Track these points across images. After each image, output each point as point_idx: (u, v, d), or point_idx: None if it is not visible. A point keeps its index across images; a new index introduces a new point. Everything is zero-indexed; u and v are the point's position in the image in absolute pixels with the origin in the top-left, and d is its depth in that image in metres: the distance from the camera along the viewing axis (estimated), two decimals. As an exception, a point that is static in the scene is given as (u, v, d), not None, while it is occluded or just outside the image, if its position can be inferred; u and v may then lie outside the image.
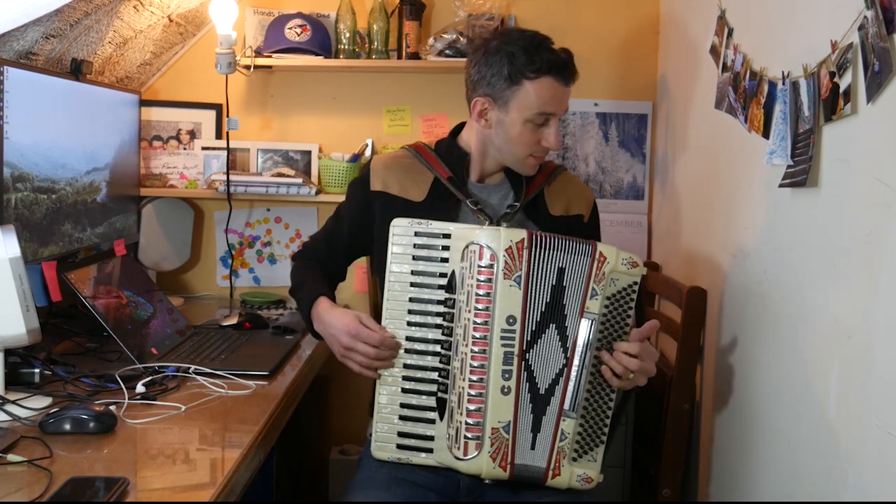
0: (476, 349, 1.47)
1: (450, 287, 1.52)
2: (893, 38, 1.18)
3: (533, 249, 1.48)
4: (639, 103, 2.72)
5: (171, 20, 2.47)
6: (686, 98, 2.36)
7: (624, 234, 2.71)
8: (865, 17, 1.25)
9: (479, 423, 1.46)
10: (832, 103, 1.36)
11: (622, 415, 1.62)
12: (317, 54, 2.61)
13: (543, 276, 1.49)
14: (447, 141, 1.77)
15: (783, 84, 1.55)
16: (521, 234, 1.49)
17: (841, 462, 1.33)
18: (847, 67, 1.32)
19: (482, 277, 1.47)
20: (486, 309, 1.47)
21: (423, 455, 1.53)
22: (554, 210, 1.72)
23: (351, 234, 1.77)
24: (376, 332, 1.53)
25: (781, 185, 1.54)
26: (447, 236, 1.53)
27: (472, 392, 1.46)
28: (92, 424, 1.45)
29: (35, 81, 1.96)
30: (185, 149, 2.76)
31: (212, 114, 2.77)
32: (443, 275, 1.53)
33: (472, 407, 1.46)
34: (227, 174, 2.63)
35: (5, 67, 1.80)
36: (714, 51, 2.00)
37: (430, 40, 2.60)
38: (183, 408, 1.60)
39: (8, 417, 1.50)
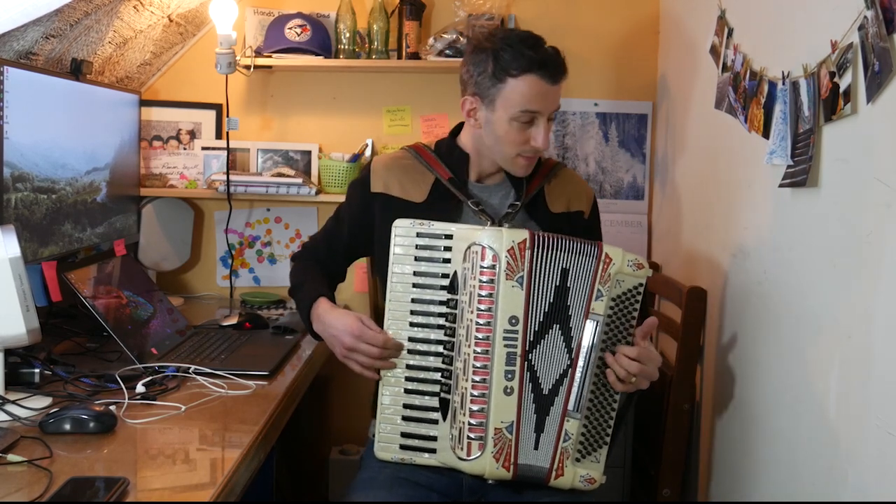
0: (479, 350, 1.47)
1: (452, 288, 1.52)
2: (893, 38, 1.19)
3: (535, 250, 1.48)
4: (639, 103, 2.72)
5: (171, 20, 2.47)
6: (686, 98, 2.36)
7: (624, 234, 2.71)
8: (865, 17, 1.25)
9: (482, 424, 1.46)
10: (832, 103, 1.36)
11: (626, 416, 1.62)
12: (317, 54, 2.61)
13: (546, 276, 1.49)
14: (447, 141, 1.77)
15: (783, 84, 1.55)
16: (524, 234, 1.49)
17: (841, 462, 1.33)
18: (847, 67, 1.32)
19: (484, 278, 1.47)
20: (489, 309, 1.47)
21: (427, 455, 1.53)
22: (554, 207, 1.72)
23: (351, 234, 1.77)
24: (379, 333, 1.53)
25: (781, 185, 1.54)
26: (449, 237, 1.53)
27: (475, 392, 1.47)
28: (92, 424, 1.45)
29: (35, 81, 1.96)
30: (185, 149, 2.76)
31: (212, 114, 2.77)
32: (445, 275, 1.52)
33: (475, 407, 1.46)
34: (227, 174, 2.63)
35: (5, 67, 1.80)
36: (714, 51, 2.01)
37: (430, 40, 2.60)
38: (183, 408, 1.60)
39: (8, 417, 1.50)
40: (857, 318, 1.29)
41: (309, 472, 2.77)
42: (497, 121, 1.61)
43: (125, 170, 2.52)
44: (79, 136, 2.20)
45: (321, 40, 2.63)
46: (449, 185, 1.69)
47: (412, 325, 1.54)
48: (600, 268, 1.49)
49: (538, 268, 1.48)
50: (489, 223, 1.64)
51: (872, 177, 1.25)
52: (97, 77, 2.38)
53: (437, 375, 1.53)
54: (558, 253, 1.49)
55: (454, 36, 2.58)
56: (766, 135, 1.63)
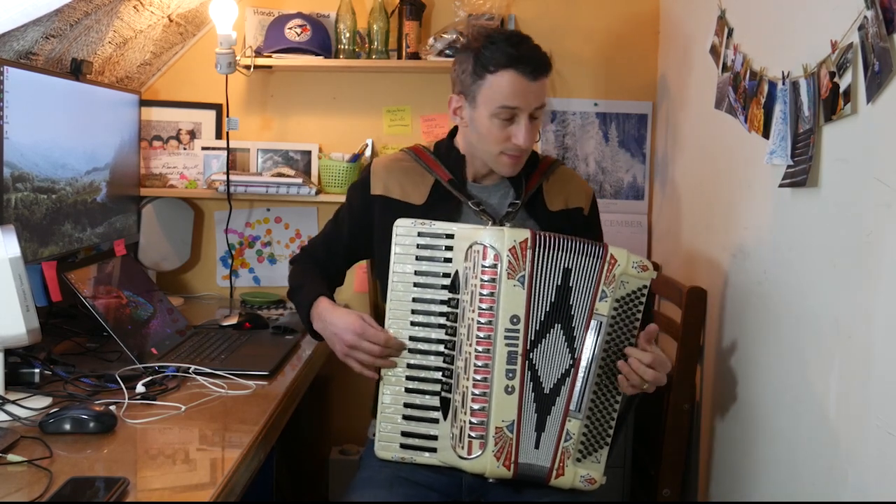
0: (480, 349, 1.47)
1: (453, 287, 1.52)
2: (893, 38, 1.19)
3: (537, 249, 1.48)
4: (639, 103, 2.72)
5: (171, 20, 2.47)
6: (686, 98, 2.36)
7: (624, 234, 2.71)
8: (865, 17, 1.25)
9: (482, 423, 1.47)
10: (832, 103, 1.36)
11: (627, 417, 1.62)
12: (317, 54, 2.61)
13: (548, 276, 1.49)
14: (445, 143, 1.77)
15: (783, 84, 1.55)
16: (525, 234, 1.49)
17: (841, 462, 1.33)
18: (847, 67, 1.32)
19: (486, 277, 1.47)
20: (490, 309, 1.47)
21: (427, 454, 1.53)
22: (553, 206, 1.72)
23: (351, 236, 1.77)
24: (381, 331, 1.53)
25: (781, 185, 1.54)
26: (450, 236, 1.53)
27: (476, 391, 1.47)
28: (92, 424, 1.45)
29: (35, 81, 1.96)
30: (185, 149, 2.76)
31: (212, 114, 2.77)
32: (446, 275, 1.53)
33: (475, 406, 1.46)
34: (227, 174, 2.63)
35: (5, 67, 1.80)
36: (714, 51, 2.01)
37: (430, 40, 2.60)
38: (183, 408, 1.60)
39: (8, 417, 1.50)
40: (857, 318, 1.29)
41: (309, 472, 2.77)
42: (478, 118, 1.61)
43: (125, 170, 2.52)
44: (79, 136, 2.20)
45: (321, 40, 2.63)
46: (449, 187, 1.69)
47: (413, 324, 1.54)
48: (605, 268, 1.49)
49: (540, 267, 1.48)
50: (490, 223, 1.64)
51: (872, 177, 1.25)
52: (97, 77, 2.38)
53: (438, 374, 1.53)
54: (560, 252, 1.49)
55: (454, 36, 2.58)
56: (766, 135, 1.63)
